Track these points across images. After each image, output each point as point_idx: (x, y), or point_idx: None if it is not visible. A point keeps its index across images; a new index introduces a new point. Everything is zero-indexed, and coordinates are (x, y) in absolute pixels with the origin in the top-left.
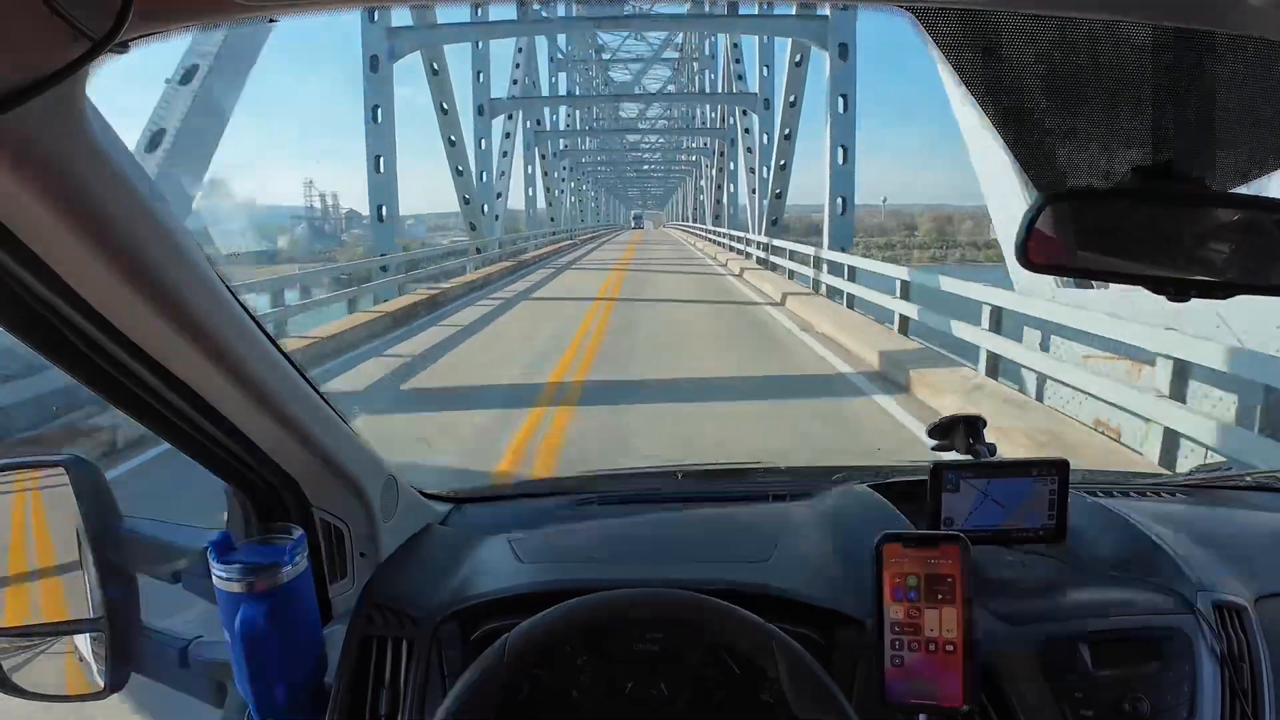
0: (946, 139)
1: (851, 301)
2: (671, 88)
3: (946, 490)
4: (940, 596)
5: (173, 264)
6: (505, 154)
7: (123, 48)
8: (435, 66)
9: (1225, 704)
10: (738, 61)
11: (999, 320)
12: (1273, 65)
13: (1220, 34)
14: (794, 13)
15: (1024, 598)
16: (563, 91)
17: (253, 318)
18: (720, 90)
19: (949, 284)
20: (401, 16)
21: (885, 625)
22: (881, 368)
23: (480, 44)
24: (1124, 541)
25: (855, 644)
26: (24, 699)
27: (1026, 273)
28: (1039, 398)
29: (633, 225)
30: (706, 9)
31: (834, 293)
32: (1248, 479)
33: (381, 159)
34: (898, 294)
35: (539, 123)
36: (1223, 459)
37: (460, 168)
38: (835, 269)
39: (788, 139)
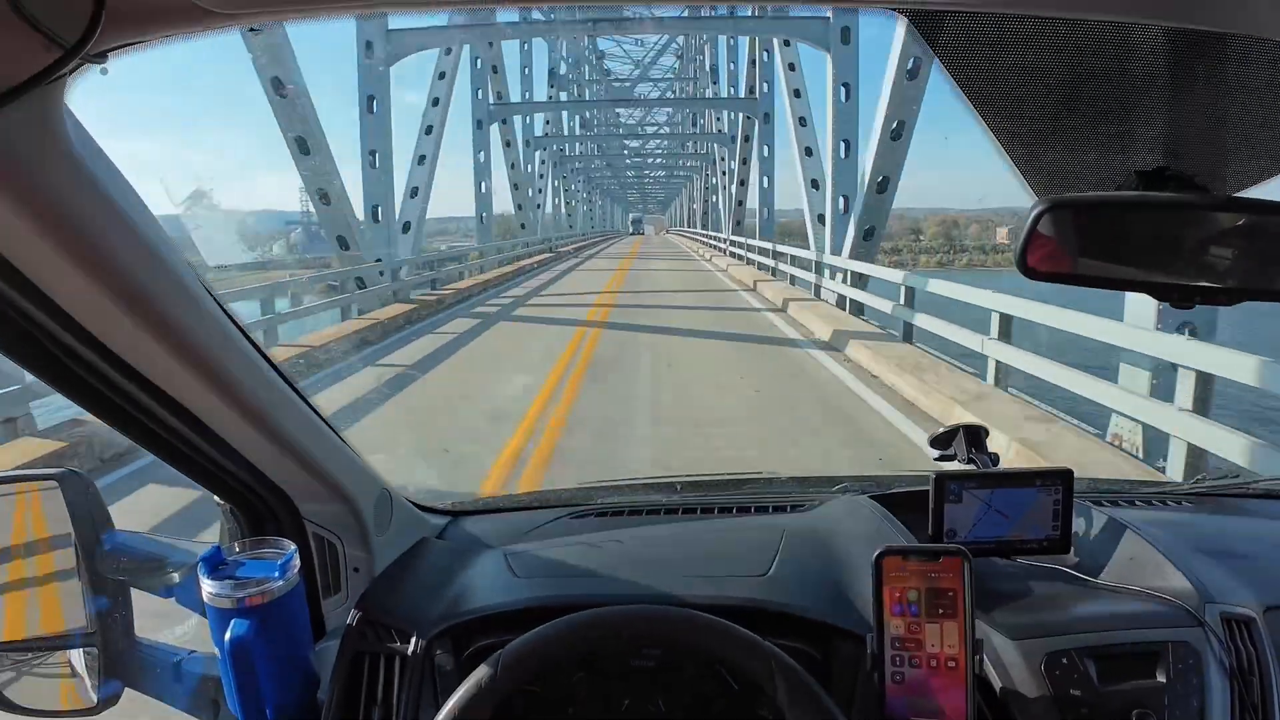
0: (950, 141)
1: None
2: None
3: (949, 501)
4: (942, 611)
5: (155, 274)
6: (429, 130)
7: (100, 58)
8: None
9: (1235, 718)
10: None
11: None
12: (1274, 67)
13: (1221, 36)
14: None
15: (1028, 610)
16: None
17: (240, 329)
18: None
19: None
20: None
21: (885, 640)
22: None
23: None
24: (1129, 552)
25: (855, 660)
26: (15, 714)
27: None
28: None
29: (631, 231)
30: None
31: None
32: (1254, 486)
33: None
34: None
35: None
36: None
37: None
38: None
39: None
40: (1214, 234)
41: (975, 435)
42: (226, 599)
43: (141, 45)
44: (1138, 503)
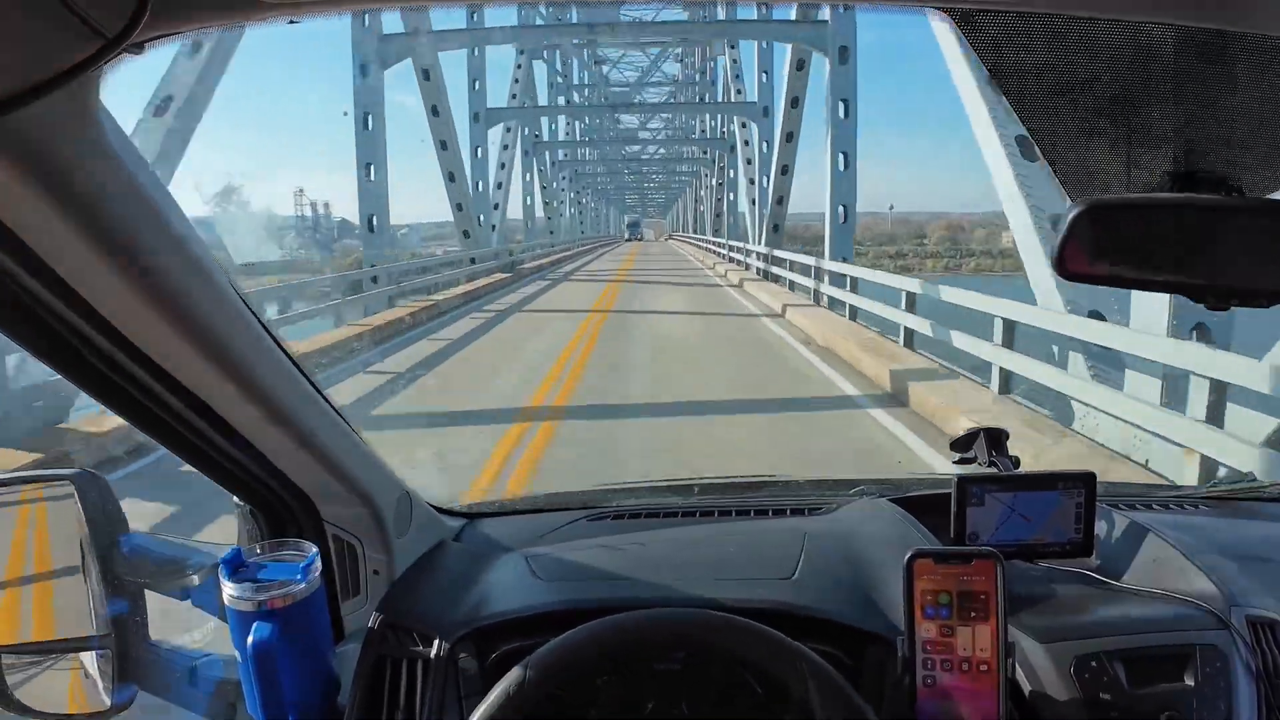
0: (954, 145)
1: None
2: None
3: (971, 504)
4: (974, 614)
5: (184, 271)
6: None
7: (138, 48)
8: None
9: None
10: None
11: None
12: None
13: (1257, 36)
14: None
15: (1055, 614)
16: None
17: (266, 329)
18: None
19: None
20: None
21: (916, 644)
22: None
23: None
24: (1151, 555)
25: (884, 664)
26: (28, 717)
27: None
28: None
29: (627, 236)
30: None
31: None
32: (1269, 490)
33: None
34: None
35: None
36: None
37: None
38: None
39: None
40: (1249, 235)
41: (996, 438)
42: (248, 601)
43: (180, 35)
44: (1155, 506)
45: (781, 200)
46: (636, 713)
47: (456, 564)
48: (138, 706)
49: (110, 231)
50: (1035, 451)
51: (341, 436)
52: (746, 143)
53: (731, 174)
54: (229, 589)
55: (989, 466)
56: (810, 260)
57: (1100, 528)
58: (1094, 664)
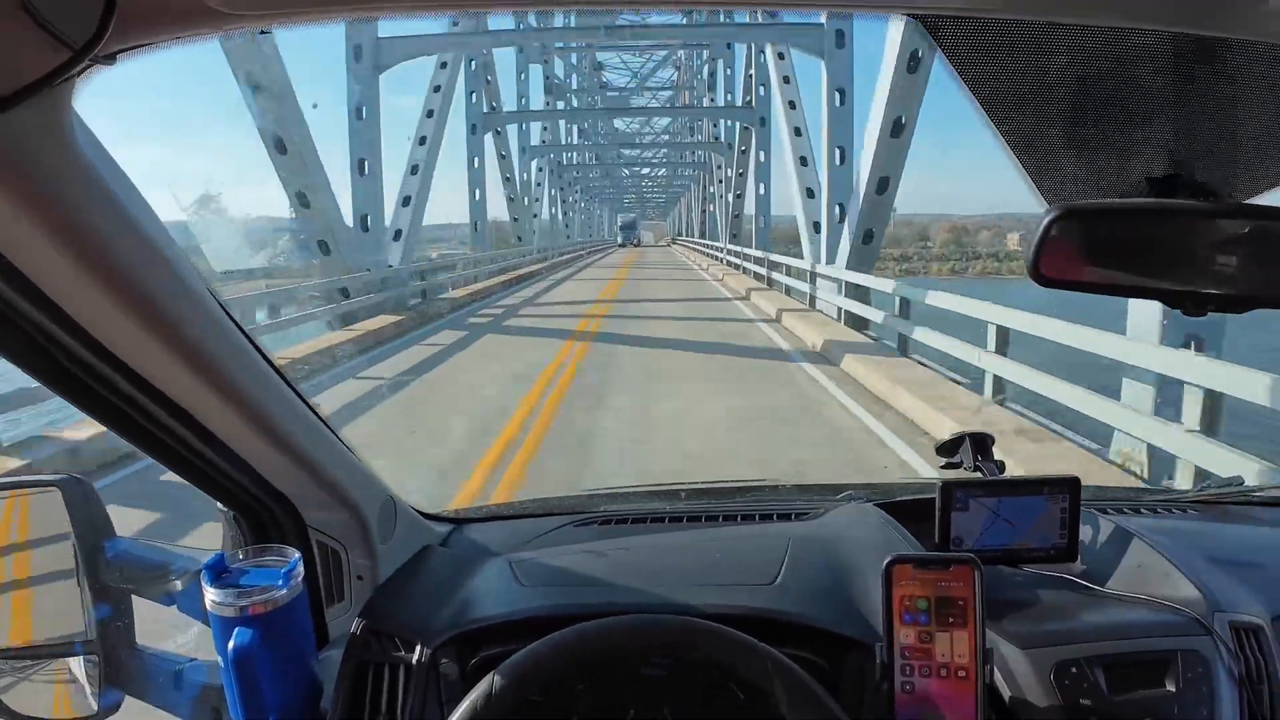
0: (956, 146)
1: None
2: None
3: (956, 509)
4: (952, 620)
5: (162, 279)
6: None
7: (109, 60)
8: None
9: None
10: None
11: None
12: None
13: (1234, 42)
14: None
15: (1036, 619)
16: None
17: (246, 335)
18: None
19: None
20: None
21: (895, 649)
22: None
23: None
24: (1136, 560)
25: (863, 669)
26: None
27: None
28: None
29: (620, 241)
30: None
31: None
32: (1260, 495)
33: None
34: None
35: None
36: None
37: None
38: None
39: None
40: (1226, 241)
41: (981, 443)
42: (230, 607)
43: (151, 47)
44: (1143, 510)
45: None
46: (619, 716)
47: (441, 569)
48: (124, 712)
49: (86, 240)
50: None
51: (324, 442)
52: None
53: (761, 157)
54: (211, 594)
55: (974, 471)
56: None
57: (1086, 533)
58: (1074, 670)
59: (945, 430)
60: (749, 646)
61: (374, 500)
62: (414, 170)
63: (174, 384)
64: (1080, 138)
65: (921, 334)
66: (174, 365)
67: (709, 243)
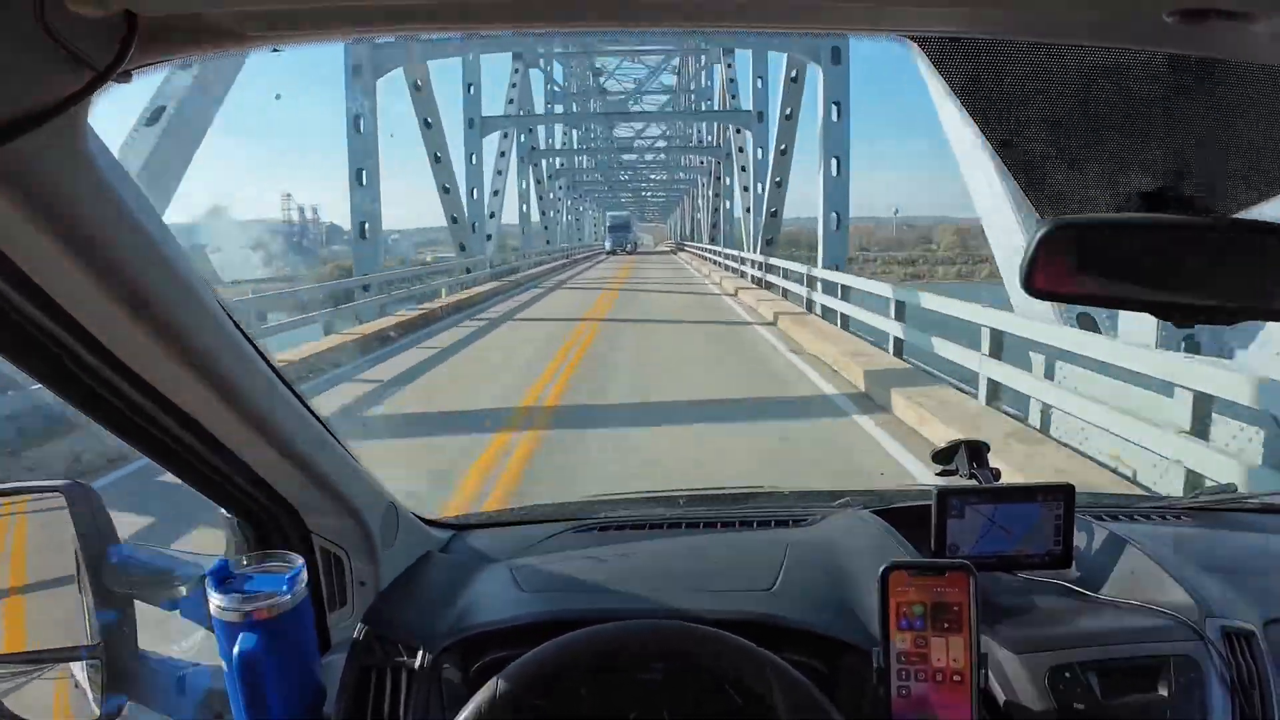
0: (959, 148)
1: None
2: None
3: (951, 516)
4: (947, 625)
5: (172, 290)
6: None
7: (125, 76)
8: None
9: None
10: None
11: None
12: (1276, 89)
13: (1222, 62)
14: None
15: (1031, 625)
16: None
17: (253, 344)
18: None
19: None
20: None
21: (891, 654)
22: None
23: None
24: (1130, 566)
25: (860, 674)
26: None
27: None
28: None
29: (608, 248)
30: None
31: None
32: (1253, 501)
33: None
34: None
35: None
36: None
37: None
38: None
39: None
40: (1215, 254)
41: (976, 451)
42: (234, 612)
43: (167, 63)
44: (1137, 517)
45: None
46: (619, 718)
47: (442, 575)
48: (126, 717)
49: (100, 254)
50: None
51: (326, 448)
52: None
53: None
54: (215, 600)
55: (970, 479)
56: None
57: (1081, 539)
58: (1068, 675)
59: None
60: (747, 651)
61: (376, 507)
62: None
63: (181, 392)
64: (1073, 154)
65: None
66: (182, 374)
67: (725, 250)
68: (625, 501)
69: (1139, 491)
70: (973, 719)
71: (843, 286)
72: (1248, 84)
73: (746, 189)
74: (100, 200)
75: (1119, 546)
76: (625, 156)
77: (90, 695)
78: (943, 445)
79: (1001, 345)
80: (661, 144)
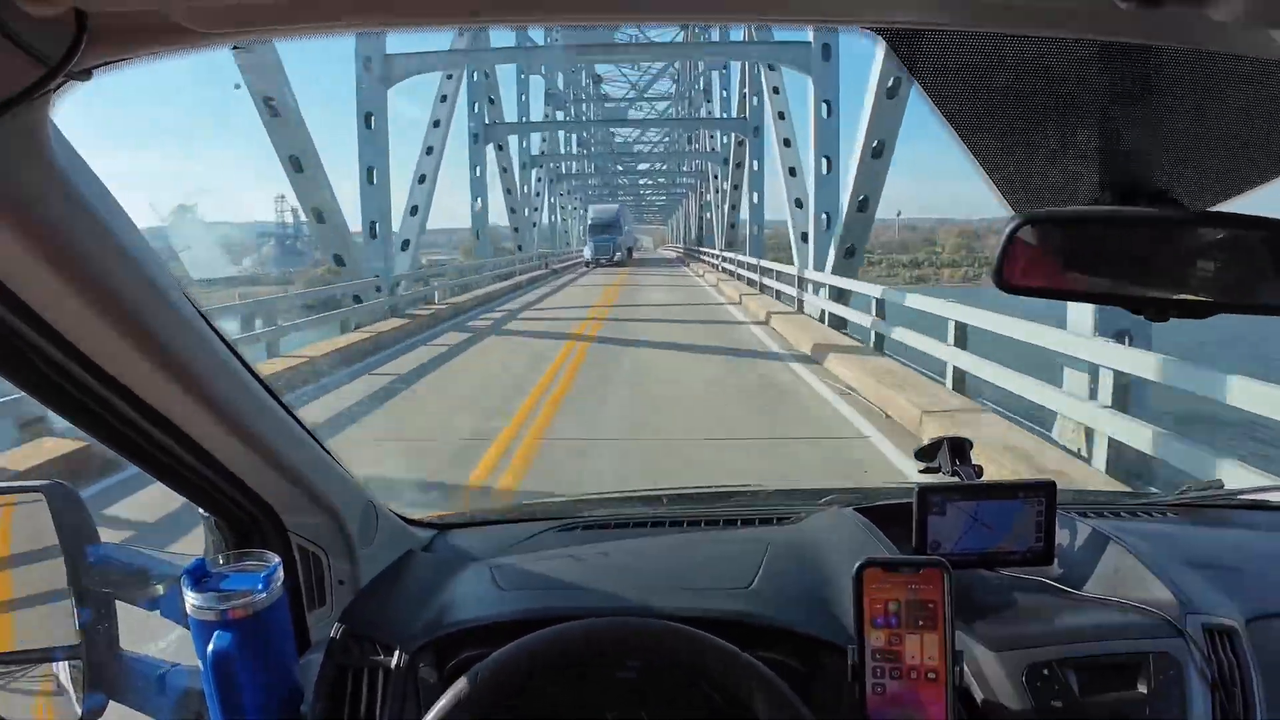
0: (955, 147)
1: None
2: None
3: (933, 513)
4: (922, 622)
5: (141, 288)
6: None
7: (84, 75)
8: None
9: None
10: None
11: None
12: (1247, 82)
13: (1193, 52)
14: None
15: (1010, 622)
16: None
17: (225, 341)
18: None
19: None
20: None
21: (866, 652)
22: None
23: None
24: (1112, 563)
25: (838, 672)
26: None
27: None
28: None
29: (589, 257)
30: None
31: None
32: (1237, 498)
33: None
34: None
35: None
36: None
37: None
38: None
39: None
40: (1189, 248)
41: (959, 448)
42: (210, 611)
43: (127, 62)
44: (1122, 514)
45: None
46: (598, 718)
47: (422, 574)
48: (107, 716)
49: (66, 250)
50: None
51: (303, 448)
52: None
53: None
54: (191, 598)
55: (952, 475)
56: None
57: (1063, 536)
58: (1046, 672)
59: None
60: (721, 649)
61: (354, 505)
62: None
63: (154, 391)
64: (1045, 147)
65: None
66: (153, 372)
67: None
68: (610, 500)
69: (1124, 489)
70: (948, 716)
71: None
72: (1222, 77)
73: (794, 171)
74: (65, 197)
75: (1102, 543)
76: (625, 158)
77: (71, 695)
78: (926, 442)
79: None
80: (663, 143)
